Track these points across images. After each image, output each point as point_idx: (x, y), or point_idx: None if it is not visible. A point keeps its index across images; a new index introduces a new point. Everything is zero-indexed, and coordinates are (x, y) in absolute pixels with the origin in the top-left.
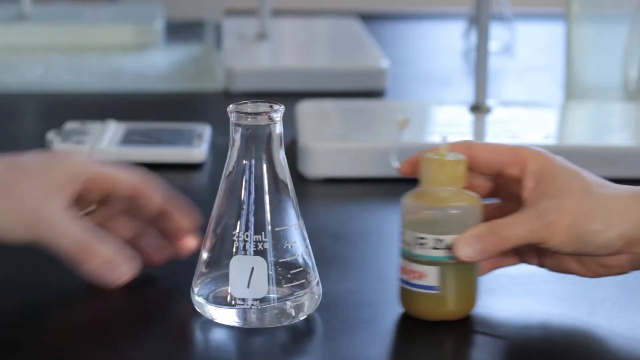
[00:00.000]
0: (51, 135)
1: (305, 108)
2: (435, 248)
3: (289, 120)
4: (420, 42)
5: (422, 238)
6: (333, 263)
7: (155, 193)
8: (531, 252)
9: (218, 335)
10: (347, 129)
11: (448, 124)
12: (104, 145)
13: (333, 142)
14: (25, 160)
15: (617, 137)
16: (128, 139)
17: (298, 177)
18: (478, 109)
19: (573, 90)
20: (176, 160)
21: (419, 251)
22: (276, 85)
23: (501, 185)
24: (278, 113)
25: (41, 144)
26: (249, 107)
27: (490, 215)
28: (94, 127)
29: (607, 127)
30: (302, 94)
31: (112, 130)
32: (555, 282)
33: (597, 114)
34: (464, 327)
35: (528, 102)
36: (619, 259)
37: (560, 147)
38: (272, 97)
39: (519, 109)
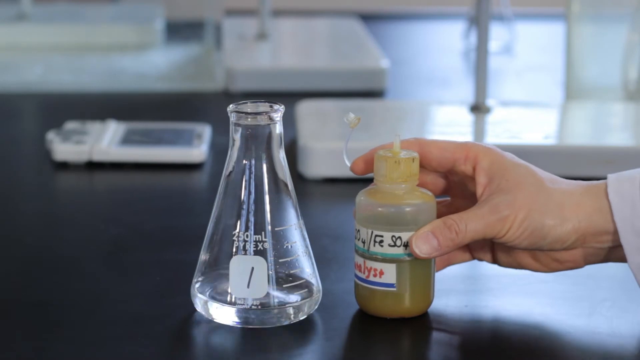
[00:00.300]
0: (51, 135)
1: (305, 108)
2: (392, 245)
3: (289, 120)
4: (420, 42)
5: (379, 236)
6: (333, 263)
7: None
8: (484, 248)
9: (218, 335)
10: (347, 129)
11: (448, 124)
12: (104, 145)
13: (333, 142)
14: None
15: (617, 137)
16: (128, 139)
17: (298, 177)
18: (478, 109)
19: (573, 90)
20: (176, 160)
21: (376, 249)
22: (276, 85)
23: (452, 182)
24: (278, 113)
25: (41, 144)
26: (249, 107)
27: (442, 212)
28: (94, 127)
29: (607, 127)
30: (302, 94)
31: (112, 130)
32: (555, 282)
33: (597, 114)
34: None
35: (528, 102)
36: (573, 254)
37: (560, 147)
38: (272, 97)
39: (519, 109)
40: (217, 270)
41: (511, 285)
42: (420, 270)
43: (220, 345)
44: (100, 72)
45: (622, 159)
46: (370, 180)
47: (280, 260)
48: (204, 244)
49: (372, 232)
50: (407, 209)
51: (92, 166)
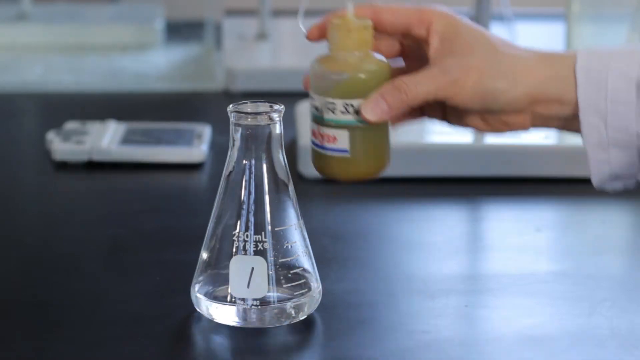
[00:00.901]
0: (51, 135)
1: (305, 108)
2: (344, 112)
3: (289, 120)
4: None
5: (331, 103)
6: (333, 263)
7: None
8: (435, 108)
9: (218, 335)
10: None
11: None
12: (104, 145)
13: None
14: None
15: None
16: (128, 139)
17: (298, 177)
18: None
19: None
20: (176, 160)
21: (329, 116)
22: (276, 85)
23: (407, 47)
24: (278, 113)
25: (41, 144)
26: (249, 107)
27: (396, 77)
28: (94, 127)
29: None
30: (302, 94)
31: (112, 130)
32: (555, 282)
33: None
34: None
35: None
36: (521, 117)
37: (560, 147)
38: (272, 97)
39: None
40: (217, 270)
41: (511, 285)
42: (374, 135)
43: (220, 345)
44: (100, 72)
45: None
46: (370, 181)
47: (281, 260)
48: (204, 244)
49: (325, 100)
50: (360, 76)
51: (92, 166)
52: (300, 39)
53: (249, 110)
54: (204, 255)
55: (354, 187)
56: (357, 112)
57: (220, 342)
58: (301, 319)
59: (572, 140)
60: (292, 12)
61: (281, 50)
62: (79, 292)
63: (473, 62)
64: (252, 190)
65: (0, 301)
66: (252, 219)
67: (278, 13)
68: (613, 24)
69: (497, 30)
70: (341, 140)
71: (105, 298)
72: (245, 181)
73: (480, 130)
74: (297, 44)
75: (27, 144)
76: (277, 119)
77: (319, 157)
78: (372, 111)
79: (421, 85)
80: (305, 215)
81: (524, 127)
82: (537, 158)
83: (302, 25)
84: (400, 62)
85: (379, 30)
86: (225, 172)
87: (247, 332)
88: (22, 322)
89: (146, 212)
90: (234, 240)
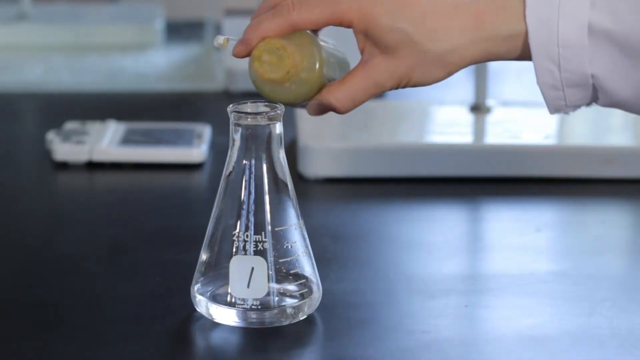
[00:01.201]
0: (51, 135)
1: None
2: None
3: (289, 120)
4: None
5: None
6: (333, 263)
7: None
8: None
9: (218, 335)
10: (347, 129)
11: (448, 124)
12: (104, 145)
13: (333, 142)
14: None
15: (617, 137)
16: (128, 139)
17: (298, 177)
18: (478, 109)
19: None
20: (176, 160)
21: None
22: None
23: None
24: (278, 113)
25: (41, 144)
26: (249, 107)
27: None
28: (94, 127)
29: (607, 127)
30: None
31: (112, 130)
32: (555, 282)
33: (597, 114)
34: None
35: (528, 102)
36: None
37: (560, 147)
38: None
39: (519, 109)
40: (217, 270)
41: (511, 285)
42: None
43: (220, 345)
44: (100, 72)
45: (622, 159)
46: (370, 181)
47: (281, 260)
48: (204, 244)
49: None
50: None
51: (92, 166)
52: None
53: (249, 110)
54: (204, 255)
55: (354, 187)
56: None
57: (220, 342)
58: (301, 319)
59: (572, 140)
60: None
61: None
62: (79, 292)
63: (402, 66)
64: (252, 190)
65: (0, 301)
66: (252, 219)
67: None
68: None
69: None
70: None
71: (105, 298)
72: (245, 181)
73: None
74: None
75: (27, 144)
76: (277, 119)
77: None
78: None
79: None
80: (305, 215)
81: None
82: (537, 158)
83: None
84: None
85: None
86: (225, 172)
87: (247, 332)
88: (22, 322)
89: (146, 212)
90: (234, 240)
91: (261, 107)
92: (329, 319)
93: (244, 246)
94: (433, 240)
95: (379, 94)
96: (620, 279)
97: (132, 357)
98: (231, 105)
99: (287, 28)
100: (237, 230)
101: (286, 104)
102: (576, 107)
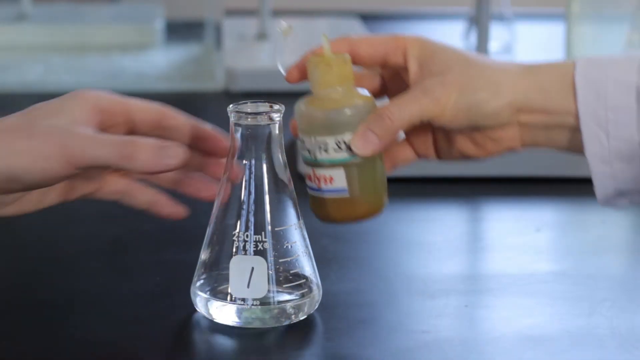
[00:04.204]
0: None
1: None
2: (337, 150)
3: (289, 120)
4: None
5: (323, 142)
6: (333, 263)
7: (179, 115)
8: (426, 143)
9: (218, 336)
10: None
11: None
12: None
13: None
14: (38, 106)
15: None
16: None
17: (298, 177)
18: None
19: None
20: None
21: (322, 156)
22: (276, 85)
23: (388, 81)
24: (278, 113)
25: None
26: (249, 107)
27: None
28: None
29: None
30: (302, 94)
31: None
32: (555, 282)
33: None
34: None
35: None
36: (509, 132)
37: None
38: (272, 97)
39: None
40: (218, 270)
41: (511, 285)
42: (369, 170)
43: (220, 345)
44: (100, 72)
45: None
46: None
47: (281, 260)
48: (204, 244)
49: (315, 139)
50: (347, 112)
51: None
52: (301, 39)
53: (249, 110)
54: (204, 255)
55: None
56: (350, 147)
57: (220, 342)
58: (301, 318)
59: None
60: (292, 12)
61: (281, 50)
62: (79, 292)
63: (452, 77)
64: (252, 190)
65: (0, 301)
66: (252, 219)
67: (278, 13)
68: (613, 24)
69: (497, 30)
70: (338, 179)
71: (106, 298)
72: (245, 181)
73: (473, 157)
74: (297, 44)
75: None
76: (277, 119)
77: (318, 202)
78: (362, 144)
79: (404, 108)
80: (305, 215)
81: (513, 142)
82: (537, 158)
83: (282, 68)
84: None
85: (357, 62)
86: (225, 172)
87: (247, 332)
88: (22, 322)
89: (146, 212)
90: (234, 240)
91: (261, 107)
92: (329, 319)
93: (244, 246)
94: (433, 240)
95: (430, 115)
96: (620, 279)
97: (132, 357)
98: (231, 105)
99: None
100: (237, 230)
101: None
102: (624, 194)
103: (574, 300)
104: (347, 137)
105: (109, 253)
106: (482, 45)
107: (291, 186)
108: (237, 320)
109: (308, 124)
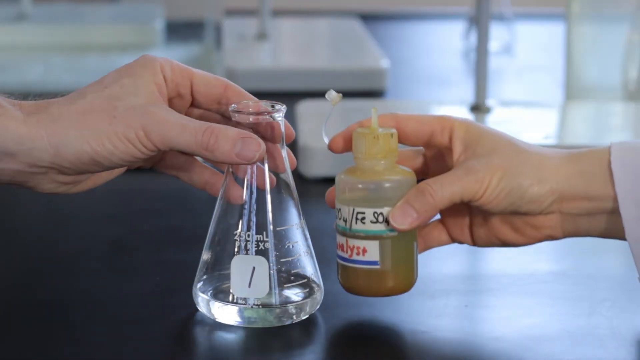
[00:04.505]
0: None
1: (305, 108)
2: (374, 222)
3: (289, 120)
4: (420, 42)
5: (360, 213)
6: (334, 263)
7: (242, 91)
8: (462, 228)
9: (218, 336)
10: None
11: None
12: None
13: None
14: (111, 80)
15: (617, 137)
16: None
17: (298, 177)
18: (478, 109)
19: (573, 90)
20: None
21: (358, 226)
22: (276, 85)
23: (430, 160)
24: (280, 113)
25: None
26: (251, 106)
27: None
28: None
29: (607, 127)
30: (302, 94)
31: None
32: (555, 282)
33: (597, 114)
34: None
35: (528, 102)
36: (550, 220)
37: (560, 147)
38: (272, 97)
39: (519, 109)
40: (219, 270)
41: (511, 285)
42: (403, 246)
43: (221, 345)
44: (100, 72)
45: None
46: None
47: (282, 260)
48: (205, 244)
49: (353, 210)
50: (387, 185)
51: None
52: (301, 39)
53: (250, 109)
54: (206, 255)
55: None
56: (387, 221)
57: (220, 342)
58: (303, 318)
59: (572, 140)
60: (292, 12)
61: (281, 50)
62: (79, 292)
63: (497, 160)
64: (254, 190)
65: (0, 301)
66: (253, 218)
67: (278, 13)
68: (613, 24)
69: (497, 30)
70: (371, 251)
71: (106, 298)
72: (247, 181)
73: (511, 243)
74: (297, 44)
75: None
76: (279, 118)
77: (347, 273)
78: (401, 218)
79: (446, 186)
80: (305, 215)
81: (554, 230)
82: None
83: (325, 136)
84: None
85: (402, 139)
86: (227, 167)
87: (248, 332)
88: (22, 322)
89: (146, 212)
90: (235, 240)
91: (263, 106)
92: (330, 319)
93: (246, 246)
94: None
95: (472, 195)
96: (620, 279)
97: (132, 357)
98: (233, 105)
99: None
100: (239, 230)
101: None
102: None
103: (574, 300)
104: (385, 210)
105: (109, 253)
106: (482, 45)
107: (293, 185)
108: (239, 320)
109: (348, 194)
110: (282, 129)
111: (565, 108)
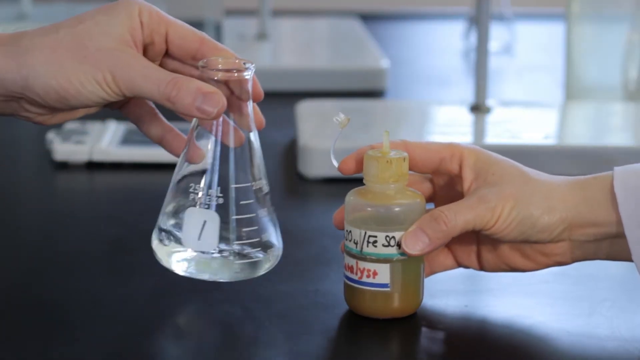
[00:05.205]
0: (51, 135)
1: (305, 108)
2: (385, 245)
3: (289, 120)
4: (420, 42)
5: (372, 236)
6: (333, 263)
7: (218, 45)
8: (470, 254)
9: (218, 335)
10: (347, 129)
11: (448, 124)
12: (104, 145)
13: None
14: (87, 17)
15: (617, 137)
16: (128, 139)
17: (298, 177)
18: (478, 109)
19: (573, 90)
20: (176, 160)
21: (369, 249)
22: (276, 85)
23: (438, 187)
24: (248, 72)
25: (41, 144)
26: (220, 63)
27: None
28: (94, 127)
29: (607, 127)
30: (302, 94)
31: (112, 130)
32: (555, 282)
33: (597, 114)
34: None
35: (528, 102)
36: (560, 247)
37: (560, 147)
38: (272, 96)
39: (519, 109)
40: (175, 220)
41: (511, 285)
42: (412, 269)
43: (221, 345)
44: None
45: (622, 159)
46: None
47: (238, 217)
48: (167, 195)
49: (365, 233)
50: (399, 209)
51: (92, 166)
52: (300, 39)
53: (219, 66)
54: (166, 206)
55: (354, 188)
56: (399, 245)
57: (220, 342)
58: (260, 274)
59: (572, 140)
60: (292, 12)
61: (281, 50)
62: (79, 292)
63: (508, 189)
64: (218, 146)
65: (0, 301)
66: (214, 174)
67: (278, 13)
68: (613, 24)
69: (497, 30)
70: (382, 274)
71: (105, 298)
72: (213, 136)
73: (520, 268)
74: (297, 44)
75: (27, 143)
76: (247, 76)
77: (356, 294)
78: (413, 244)
79: (460, 214)
80: (305, 215)
81: (564, 257)
82: (537, 158)
83: (334, 158)
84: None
85: (411, 166)
86: (193, 125)
87: (245, 330)
88: (22, 322)
89: (146, 212)
90: (191, 192)
91: (232, 64)
92: (329, 319)
93: (201, 199)
94: None
95: (483, 223)
96: (620, 279)
97: (132, 357)
98: (202, 61)
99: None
100: (199, 183)
101: None
102: None
103: (574, 300)
104: (397, 234)
105: (109, 253)
106: (482, 45)
107: (257, 144)
108: (191, 270)
109: (359, 217)
110: (250, 87)
111: (565, 108)
